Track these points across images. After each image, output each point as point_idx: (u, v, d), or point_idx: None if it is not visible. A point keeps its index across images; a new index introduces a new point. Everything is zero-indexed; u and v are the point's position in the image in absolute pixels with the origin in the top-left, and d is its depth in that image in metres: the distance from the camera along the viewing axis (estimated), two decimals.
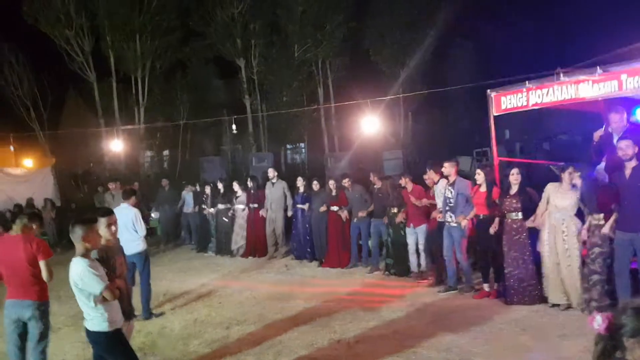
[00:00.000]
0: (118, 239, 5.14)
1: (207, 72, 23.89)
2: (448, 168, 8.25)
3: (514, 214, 7.32)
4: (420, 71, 22.67)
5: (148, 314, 7.86)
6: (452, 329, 6.43)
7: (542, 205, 7.14)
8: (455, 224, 8.08)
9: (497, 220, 7.55)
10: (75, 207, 17.19)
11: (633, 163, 6.06)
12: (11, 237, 5.33)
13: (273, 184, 12.19)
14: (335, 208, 10.83)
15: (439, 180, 8.66)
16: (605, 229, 6.38)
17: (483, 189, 7.86)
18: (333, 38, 22.36)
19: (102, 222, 4.72)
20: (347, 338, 6.46)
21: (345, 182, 10.83)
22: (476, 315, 6.98)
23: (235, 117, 20.03)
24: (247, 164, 19.30)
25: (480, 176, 7.94)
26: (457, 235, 8.06)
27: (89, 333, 4.29)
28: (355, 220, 10.53)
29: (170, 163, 25.12)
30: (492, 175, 8.37)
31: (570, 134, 17.37)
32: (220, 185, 13.13)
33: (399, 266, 9.62)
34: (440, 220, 8.43)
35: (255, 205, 12.32)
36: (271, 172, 12.36)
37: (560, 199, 6.92)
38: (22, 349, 5.24)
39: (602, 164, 7.30)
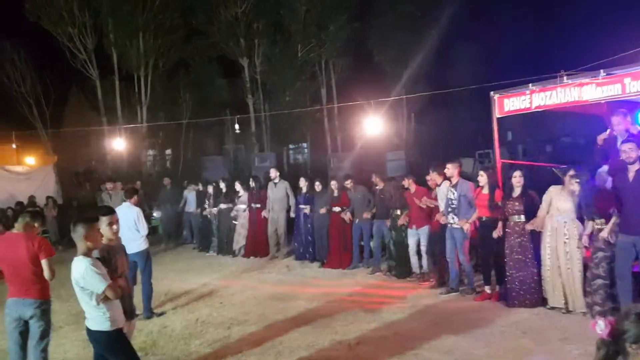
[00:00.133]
0: (120, 238, 5.13)
1: (210, 71, 23.90)
2: (451, 169, 8.24)
3: (516, 216, 7.30)
4: (424, 72, 22.67)
5: (149, 314, 7.86)
6: (454, 331, 6.41)
7: (543, 208, 7.13)
8: (457, 226, 8.08)
9: (500, 224, 7.54)
10: (77, 205, 17.19)
11: (636, 166, 6.04)
12: (13, 235, 5.33)
13: (275, 184, 12.18)
14: (337, 209, 10.82)
15: (442, 182, 8.65)
16: (604, 233, 6.37)
17: (485, 191, 7.85)
18: (336, 38, 22.38)
19: (103, 221, 4.71)
20: (348, 339, 6.45)
21: (348, 183, 10.82)
22: (477, 317, 6.96)
23: (238, 116, 20.02)
24: (249, 164, 19.30)
25: (482, 178, 7.94)
26: (459, 237, 8.05)
27: (90, 332, 4.28)
28: (357, 221, 10.52)
29: (172, 162, 25.16)
30: (495, 177, 8.36)
31: (573, 136, 17.34)
32: (222, 185, 13.13)
33: (401, 267, 9.61)
34: (443, 222, 8.41)
35: (258, 206, 12.31)
36: (273, 173, 12.35)
37: (562, 202, 6.91)
38: (23, 347, 5.23)
39: (604, 167, 7.29)
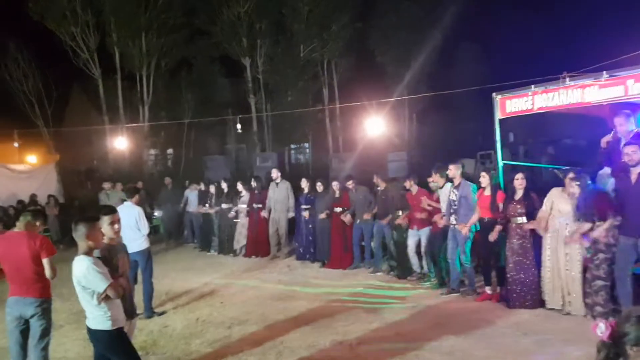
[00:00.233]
0: (121, 237, 5.13)
1: (212, 70, 23.91)
2: (453, 171, 8.23)
3: (518, 218, 7.30)
4: (426, 73, 22.68)
5: (150, 313, 7.87)
6: (455, 332, 6.41)
7: (544, 209, 7.12)
8: (459, 227, 8.08)
9: (497, 228, 7.54)
10: (79, 204, 17.20)
11: (639, 168, 6.04)
12: (15, 234, 5.33)
13: (277, 184, 12.19)
14: (338, 210, 10.81)
15: (444, 184, 8.64)
16: (594, 233, 6.38)
17: (487, 192, 7.85)
18: (339, 38, 22.39)
19: (105, 220, 4.71)
20: (349, 339, 6.45)
21: (350, 184, 10.81)
22: (478, 318, 6.96)
23: (240, 116, 20.04)
24: (251, 164, 19.31)
25: (485, 179, 7.93)
26: (461, 238, 8.04)
27: (91, 331, 4.28)
28: (358, 221, 10.52)
29: (174, 161, 25.15)
30: (495, 178, 8.36)
31: (575, 138, 17.31)
32: (224, 185, 13.13)
33: (402, 268, 9.61)
34: (443, 224, 8.41)
35: (259, 206, 12.31)
36: (275, 173, 12.35)
37: (563, 204, 6.91)
38: (24, 346, 5.24)
39: (605, 169, 7.28)
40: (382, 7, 22.98)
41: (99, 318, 4.20)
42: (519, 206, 7.31)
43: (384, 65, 23.63)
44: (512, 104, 8.39)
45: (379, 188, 10.32)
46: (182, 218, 15.30)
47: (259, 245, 12.42)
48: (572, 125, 16.72)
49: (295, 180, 12.23)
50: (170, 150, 25.82)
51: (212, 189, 13.44)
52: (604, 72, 7.05)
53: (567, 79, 7.50)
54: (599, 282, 6.43)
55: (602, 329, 2.16)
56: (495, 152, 9.22)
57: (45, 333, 5.24)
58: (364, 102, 15.26)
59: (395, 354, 5.87)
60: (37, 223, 5.40)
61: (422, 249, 9.23)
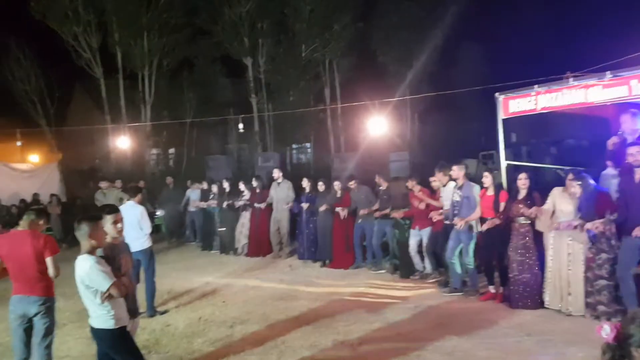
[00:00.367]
0: (123, 237, 5.13)
1: (213, 70, 23.88)
2: (456, 171, 8.23)
3: (521, 218, 7.29)
4: (428, 72, 22.65)
5: (152, 312, 7.88)
6: (456, 332, 6.40)
7: (547, 206, 7.10)
8: (458, 227, 8.08)
9: (493, 221, 7.53)
10: (81, 203, 17.21)
11: None
12: (18, 233, 5.33)
13: (279, 184, 12.20)
14: (340, 209, 10.81)
15: (447, 183, 8.64)
16: (588, 225, 6.39)
17: (490, 192, 7.85)
18: (340, 38, 22.34)
19: (108, 220, 4.70)
20: (351, 339, 6.44)
21: (352, 184, 10.81)
22: (480, 319, 6.95)
23: (241, 116, 20.01)
24: (252, 164, 19.30)
25: (488, 179, 7.93)
26: (465, 238, 8.03)
27: (94, 330, 4.28)
28: (359, 220, 10.51)
29: (176, 161, 25.15)
30: (498, 178, 8.36)
31: (578, 138, 17.27)
32: (225, 185, 13.14)
33: (404, 267, 9.61)
34: (447, 222, 8.41)
35: (261, 205, 12.32)
36: (276, 173, 12.37)
37: (565, 204, 6.90)
38: (27, 344, 5.24)
39: (609, 170, 7.27)
40: (384, 6, 22.94)
41: (102, 317, 4.20)
42: (522, 206, 7.30)
43: (385, 65, 23.60)
44: (516, 104, 8.39)
45: (380, 188, 10.32)
46: (183, 217, 15.32)
47: (261, 245, 12.43)
48: (574, 126, 16.70)
49: (296, 180, 12.23)
50: (172, 150, 25.82)
51: (215, 188, 13.47)
52: (608, 72, 7.05)
53: (571, 79, 7.50)
54: (602, 282, 6.43)
55: (606, 330, 2.15)
56: (498, 153, 9.22)
57: (49, 331, 5.24)
58: (366, 102, 15.24)
59: (396, 354, 5.86)
60: (41, 222, 5.41)
61: (424, 249, 9.23)
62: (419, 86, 21.34)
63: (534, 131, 19.07)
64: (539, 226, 7.19)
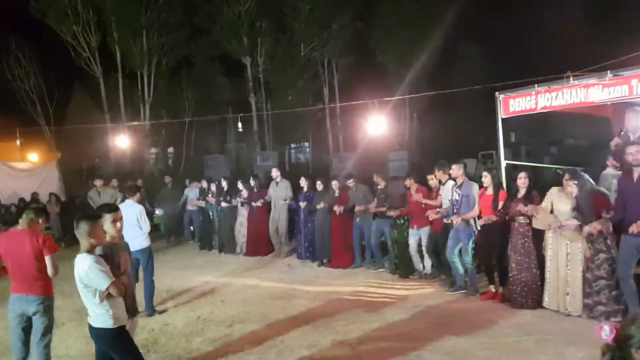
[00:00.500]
0: (122, 236, 5.12)
1: (212, 69, 23.89)
2: (456, 170, 8.23)
3: (520, 218, 7.28)
4: (427, 72, 22.64)
5: (151, 311, 7.87)
6: (456, 332, 6.39)
7: (544, 204, 7.08)
8: (456, 225, 8.08)
9: (491, 217, 7.54)
10: (80, 202, 17.17)
11: None
12: (17, 232, 5.32)
13: (277, 183, 12.19)
14: (337, 207, 10.79)
15: (446, 181, 8.65)
16: (587, 228, 6.39)
17: (490, 191, 7.85)
18: (339, 37, 22.38)
19: (107, 219, 4.69)
20: (350, 339, 6.43)
21: (350, 183, 10.80)
22: (480, 318, 6.95)
23: (240, 115, 20.02)
24: (251, 163, 19.29)
25: (487, 179, 7.93)
26: (464, 237, 8.03)
27: (93, 329, 4.27)
28: (357, 220, 10.51)
29: (174, 160, 25.16)
30: (499, 178, 8.36)
31: (577, 138, 17.30)
32: (224, 184, 13.13)
33: (403, 267, 9.61)
34: (446, 222, 8.41)
35: (258, 204, 12.31)
36: (275, 172, 12.36)
37: (562, 204, 6.89)
38: (26, 343, 5.24)
39: (607, 170, 7.27)
40: (383, 6, 22.94)
41: (101, 316, 4.19)
42: (520, 204, 7.29)
43: (384, 65, 23.60)
44: (515, 104, 8.39)
45: (378, 187, 10.32)
46: (182, 216, 15.30)
47: (259, 244, 12.43)
48: (574, 125, 16.72)
49: (295, 179, 12.22)
50: (171, 149, 25.82)
51: (213, 187, 13.46)
52: (608, 71, 7.04)
53: (571, 78, 7.50)
54: (601, 282, 6.43)
55: (606, 331, 2.14)
56: (497, 152, 9.21)
57: (48, 330, 5.23)
58: (365, 101, 15.21)
59: (395, 353, 5.85)
60: (40, 221, 5.40)
61: (423, 248, 9.23)
62: (418, 85, 21.34)
63: (533, 131, 19.08)
64: (536, 224, 7.18)
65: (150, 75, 22.55)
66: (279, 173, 12.34)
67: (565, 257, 6.82)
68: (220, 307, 8.23)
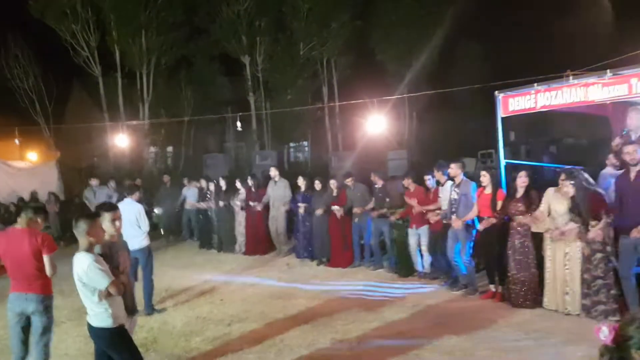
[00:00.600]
0: (121, 235, 5.12)
1: (211, 68, 23.87)
2: (454, 169, 8.23)
3: (519, 217, 7.28)
4: (426, 71, 22.62)
5: (150, 310, 7.87)
6: (455, 332, 6.39)
7: (542, 209, 7.10)
8: (456, 226, 8.08)
9: (490, 220, 7.54)
10: (79, 201, 17.16)
11: (638, 167, 6.04)
12: (16, 231, 5.31)
13: (275, 182, 12.18)
14: (336, 208, 10.79)
15: (445, 182, 8.65)
16: (590, 234, 6.38)
17: (488, 191, 7.85)
18: (338, 36, 22.34)
19: (106, 217, 4.69)
20: (349, 338, 6.44)
21: (349, 181, 10.79)
22: (479, 318, 6.95)
23: (239, 114, 20.01)
24: (250, 162, 19.29)
25: (485, 178, 7.93)
26: (462, 237, 8.04)
27: (92, 328, 4.27)
28: (356, 220, 10.50)
29: (174, 159, 25.14)
30: (498, 177, 8.35)
31: (576, 137, 17.28)
32: (222, 183, 13.11)
33: (403, 266, 9.61)
34: (445, 222, 8.41)
35: (256, 203, 12.30)
36: (273, 171, 12.34)
37: (559, 205, 6.89)
38: (25, 342, 5.23)
39: (607, 169, 7.26)
40: (382, 5, 22.89)
41: (100, 315, 4.19)
42: (519, 205, 7.29)
43: (384, 64, 23.56)
44: (515, 102, 8.38)
45: (376, 185, 10.31)
46: (180, 216, 15.28)
47: (258, 243, 12.43)
48: (573, 125, 16.69)
49: (294, 178, 12.20)
50: (170, 148, 25.79)
51: (211, 186, 13.46)
52: (608, 70, 7.03)
53: (571, 77, 7.49)
54: (599, 282, 6.43)
55: (605, 332, 2.13)
56: (497, 151, 9.20)
57: (47, 329, 5.23)
58: (364, 100, 15.21)
59: (395, 353, 5.85)
60: (39, 219, 5.39)
61: (422, 247, 9.23)
62: (417, 85, 21.32)
63: (533, 130, 19.05)
64: (536, 228, 7.17)
65: (150, 75, 22.52)
66: (277, 172, 12.32)
67: (564, 257, 6.82)
68: (219, 306, 8.23)
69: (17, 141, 18.01)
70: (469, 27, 23.86)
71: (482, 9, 23.46)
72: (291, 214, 12.18)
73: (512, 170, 9.17)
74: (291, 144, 27.06)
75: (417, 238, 9.29)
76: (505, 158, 9.03)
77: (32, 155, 18.63)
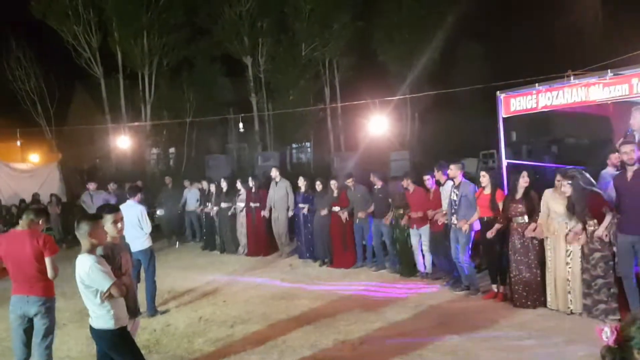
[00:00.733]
0: (123, 236, 5.12)
1: (213, 70, 23.87)
2: (454, 170, 8.24)
3: (519, 218, 7.28)
4: (428, 72, 22.62)
5: (153, 312, 7.88)
6: (458, 332, 6.39)
7: (542, 214, 7.10)
8: (459, 227, 8.08)
9: (496, 226, 7.54)
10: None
11: (635, 167, 6.05)
12: (18, 233, 5.32)
13: (276, 183, 12.18)
14: (336, 209, 10.78)
15: (445, 182, 8.65)
16: (599, 232, 6.38)
17: (487, 191, 7.84)
18: (340, 37, 22.36)
19: (108, 219, 4.69)
20: (352, 339, 6.44)
21: (349, 182, 10.80)
22: (482, 318, 6.95)
23: (241, 115, 20.00)
24: (252, 163, 19.30)
25: (484, 179, 7.92)
26: (461, 237, 8.04)
27: (94, 330, 4.27)
28: (357, 220, 10.50)
29: (176, 160, 25.14)
30: (497, 177, 8.34)
31: (578, 137, 17.25)
32: (224, 184, 13.11)
33: (405, 267, 9.61)
34: (446, 222, 8.41)
35: (257, 205, 12.30)
36: (274, 172, 12.33)
37: (557, 205, 6.89)
38: (27, 344, 5.24)
39: (607, 169, 7.26)
40: (384, 5, 22.92)
41: (102, 317, 4.19)
42: (519, 206, 7.29)
43: (386, 64, 23.55)
44: (517, 103, 8.39)
45: (375, 187, 10.31)
46: (182, 217, 15.29)
47: (260, 244, 12.44)
48: (575, 125, 16.67)
49: (297, 179, 12.20)
50: (172, 149, 25.79)
51: (213, 188, 13.46)
52: (609, 70, 7.04)
53: (572, 78, 7.49)
54: (599, 281, 6.43)
55: (607, 333, 2.12)
56: (499, 152, 9.20)
57: (49, 331, 5.23)
58: (366, 101, 15.22)
59: (397, 353, 5.85)
60: (40, 221, 5.39)
61: (424, 247, 9.24)
62: (419, 85, 21.32)
63: (534, 130, 19.03)
64: (544, 234, 7.14)
65: (151, 76, 22.56)
66: (277, 173, 12.30)
67: (565, 255, 6.82)
68: (222, 308, 8.23)
69: (18, 143, 18.03)
70: (471, 27, 23.86)
71: (483, 9, 23.46)
72: (292, 215, 12.17)
73: (513, 170, 9.17)
74: (293, 145, 27.03)
75: (419, 238, 9.29)
76: (506, 158, 9.03)
77: (34, 157, 18.65)
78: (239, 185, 12.66)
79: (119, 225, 4.80)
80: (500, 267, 7.71)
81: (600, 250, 6.44)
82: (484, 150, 19.36)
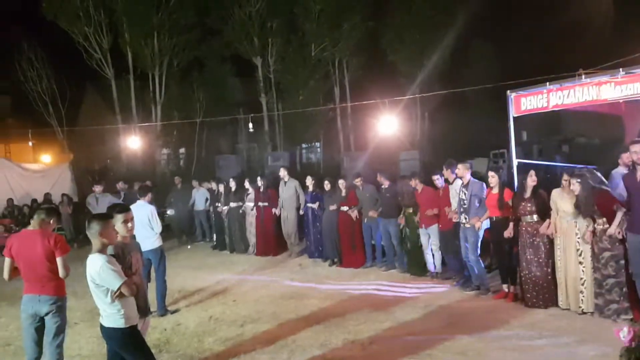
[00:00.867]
0: (134, 236, 5.15)
1: (223, 70, 23.91)
2: (461, 170, 8.21)
3: (529, 217, 7.25)
4: (438, 72, 22.55)
5: (163, 311, 7.91)
6: (468, 332, 6.37)
7: (553, 212, 7.07)
8: (468, 226, 8.05)
9: (511, 225, 7.50)
10: None
11: None
12: (29, 232, 5.35)
13: (285, 183, 12.19)
14: (345, 208, 10.78)
15: (454, 180, 8.63)
16: (611, 230, 6.35)
17: (495, 190, 7.81)
18: (350, 37, 22.32)
19: (118, 219, 4.72)
20: (361, 339, 6.44)
21: (358, 181, 10.78)
22: (492, 318, 6.92)
23: (251, 115, 20.03)
24: (262, 163, 19.32)
25: (493, 179, 7.89)
26: (470, 237, 8.01)
27: (105, 329, 4.30)
28: (366, 220, 10.49)
29: (186, 161, 25.22)
30: (507, 177, 8.30)
31: (589, 136, 17.15)
32: (232, 184, 13.13)
33: (415, 266, 9.59)
34: (455, 221, 8.39)
35: (266, 204, 12.32)
36: (282, 172, 12.34)
37: (565, 204, 6.86)
38: (38, 343, 5.27)
39: (618, 169, 7.21)
40: (394, 5, 22.87)
41: (112, 316, 4.21)
42: (529, 204, 7.26)
43: (395, 64, 23.49)
44: (527, 102, 8.35)
45: (383, 186, 10.30)
46: (192, 217, 15.34)
47: (269, 244, 12.45)
48: (586, 124, 16.58)
49: (306, 179, 12.20)
50: (182, 150, 25.87)
51: (222, 187, 13.50)
52: (620, 69, 6.98)
53: (583, 76, 7.44)
54: (611, 280, 6.41)
55: (624, 333, 2.11)
56: (509, 151, 9.16)
57: (60, 330, 5.26)
58: (376, 100, 15.19)
59: (407, 353, 5.85)
60: (51, 221, 5.41)
61: (433, 247, 9.22)
62: (429, 85, 21.26)
63: (545, 129, 18.93)
64: (559, 234, 7.10)
65: (162, 76, 22.64)
66: (286, 172, 12.30)
67: (576, 254, 6.78)
68: (232, 307, 8.26)
69: (30, 144, 18.20)
70: (481, 26, 23.73)
71: (493, 8, 23.35)
72: (301, 215, 12.17)
73: (523, 169, 9.14)
74: (303, 145, 27.02)
75: (428, 237, 9.28)
76: (517, 157, 8.99)
77: (46, 158, 18.84)
78: (247, 184, 12.69)
79: (130, 224, 4.82)
80: (511, 266, 7.68)
81: (610, 250, 6.41)
82: (494, 149, 19.27)
